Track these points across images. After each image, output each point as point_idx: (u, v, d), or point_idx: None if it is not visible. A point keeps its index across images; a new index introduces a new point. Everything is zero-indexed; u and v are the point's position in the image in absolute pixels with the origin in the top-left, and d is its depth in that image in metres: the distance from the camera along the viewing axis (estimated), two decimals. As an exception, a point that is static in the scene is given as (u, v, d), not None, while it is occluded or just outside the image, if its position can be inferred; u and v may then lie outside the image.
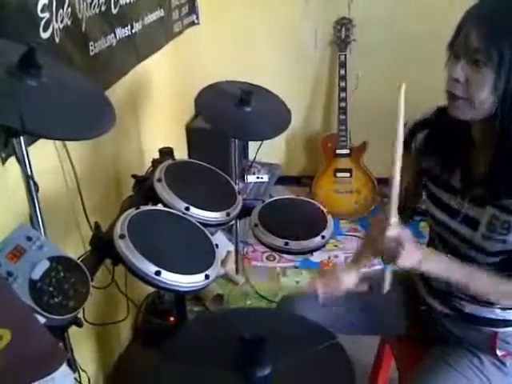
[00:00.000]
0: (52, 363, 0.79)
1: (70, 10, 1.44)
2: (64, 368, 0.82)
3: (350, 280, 1.21)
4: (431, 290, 1.32)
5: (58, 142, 1.42)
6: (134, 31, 1.93)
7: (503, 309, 1.19)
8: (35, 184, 1.09)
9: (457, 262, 1.16)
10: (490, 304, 1.19)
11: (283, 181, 3.25)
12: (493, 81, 0.99)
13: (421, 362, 1.27)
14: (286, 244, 1.49)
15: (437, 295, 1.30)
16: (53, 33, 1.36)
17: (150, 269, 1.12)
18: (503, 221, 1.09)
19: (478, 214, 1.14)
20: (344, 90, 2.90)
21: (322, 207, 1.64)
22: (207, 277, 1.20)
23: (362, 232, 2.90)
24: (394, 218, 1.09)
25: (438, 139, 1.21)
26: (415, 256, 1.09)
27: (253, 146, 2.86)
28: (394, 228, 1.09)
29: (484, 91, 1.00)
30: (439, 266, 1.13)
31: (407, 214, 1.36)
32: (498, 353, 1.22)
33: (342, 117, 2.93)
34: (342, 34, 2.88)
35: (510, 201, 1.08)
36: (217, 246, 1.32)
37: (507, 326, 1.21)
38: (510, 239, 1.10)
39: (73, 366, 1.27)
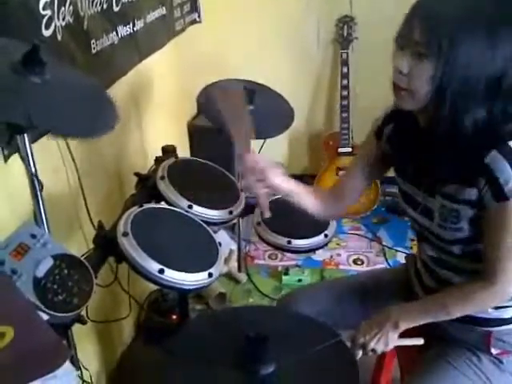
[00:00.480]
0: (55, 360, 0.79)
1: (71, 7, 1.44)
2: (67, 365, 0.82)
3: (277, 180, 1.23)
4: (425, 289, 1.32)
5: (60, 141, 1.42)
6: (135, 29, 1.93)
7: (496, 308, 1.19)
8: (39, 182, 1.09)
9: (423, 300, 1.24)
10: None
11: (285, 179, 3.24)
12: (431, 72, 1.01)
13: (422, 360, 1.27)
14: (289, 242, 1.49)
15: (429, 294, 1.30)
16: (55, 30, 1.36)
17: (154, 267, 1.12)
18: (451, 209, 1.12)
19: (431, 203, 1.17)
20: (346, 88, 2.89)
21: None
22: (210, 275, 1.20)
23: (364, 231, 2.91)
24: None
25: (397, 130, 1.24)
26: (386, 335, 1.17)
27: (255, 144, 2.85)
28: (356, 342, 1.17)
29: (423, 82, 1.03)
30: (412, 316, 1.19)
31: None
32: (493, 351, 1.22)
33: (344, 115, 2.92)
34: (344, 32, 2.87)
35: (454, 187, 1.10)
36: (220, 244, 1.32)
37: (501, 325, 1.21)
38: (465, 227, 1.12)
39: (76, 363, 1.27)
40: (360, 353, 1.19)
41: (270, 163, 1.23)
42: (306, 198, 1.33)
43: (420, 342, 1.21)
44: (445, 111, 1.04)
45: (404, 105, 1.09)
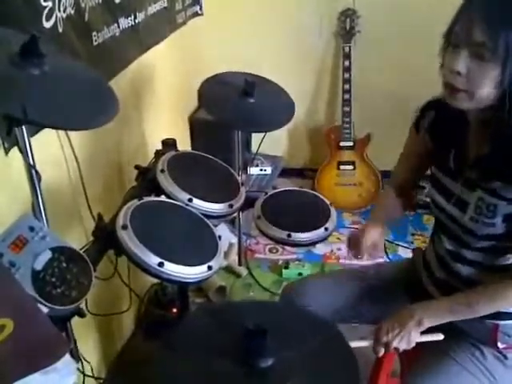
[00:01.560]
0: (55, 353, 0.79)
1: (73, -1, 1.43)
2: (67, 357, 0.82)
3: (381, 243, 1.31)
4: (433, 280, 1.32)
5: (60, 133, 1.42)
6: (137, 21, 1.92)
7: None
8: (38, 174, 1.08)
9: (448, 298, 1.21)
10: None
11: (286, 173, 3.24)
12: (497, 75, 0.98)
13: (423, 355, 1.27)
14: (289, 236, 1.48)
15: (438, 285, 1.30)
16: (56, 22, 1.35)
17: (153, 260, 1.12)
18: (489, 203, 1.12)
19: (468, 196, 1.17)
20: (348, 81, 2.88)
21: (325, 199, 1.63)
22: (210, 268, 1.20)
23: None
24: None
25: (439, 121, 1.23)
26: (411, 333, 1.16)
27: (256, 137, 2.85)
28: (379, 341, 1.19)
29: (487, 85, 1.00)
30: (437, 314, 1.18)
31: (413, 200, 1.42)
32: (500, 345, 1.22)
33: (346, 109, 2.92)
34: (346, 26, 2.86)
35: (499, 184, 1.10)
36: (220, 237, 1.32)
37: (509, 319, 1.22)
38: (498, 223, 1.11)
39: (76, 355, 1.27)
40: (382, 350, 1.19)
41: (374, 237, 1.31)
42: (400, 210, 1.43)
43: (440, 337, 1.21)
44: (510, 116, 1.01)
45: (459, 105, 1.06)
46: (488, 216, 1.12)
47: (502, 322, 1.21)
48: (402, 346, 1.17)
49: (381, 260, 2.57)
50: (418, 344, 1.23)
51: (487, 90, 1.00)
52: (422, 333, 1.19)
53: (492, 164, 1.10)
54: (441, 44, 1.07)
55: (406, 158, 1.40)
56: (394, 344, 1.17)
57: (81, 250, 1.13)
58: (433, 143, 1.27)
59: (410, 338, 1.17)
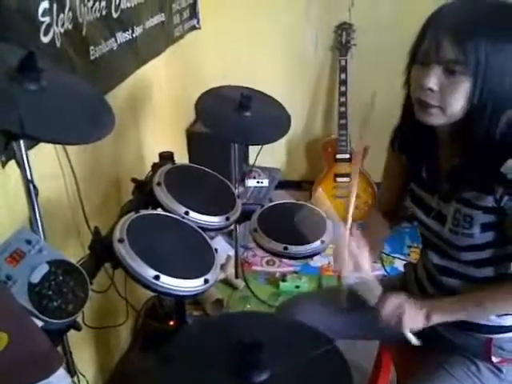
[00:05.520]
0: (49, 367, 0.79)
1: (70, 14, 1.45)
2: (61, 371, 0.82)
3: (367, 263, 1.24)
4: (425, 295, 1.32)
5: (58, 146, 1.42)
6: (134, 35, 1.94)
7: (498, 315, 1.19)
8: (35, 188, 1.09)
9: (459, 296, 1.19)
10: None
11: (283, 185, 3.25)
12: (468, 89, 0.99)
13: (419, 369, 1.27)
14: (285, 248, 1.49)
15: None
16: (53, 37, 1.37)
17: (149, 273, 1.12)
18: (464, 214, 1.12)
19: (445, 209, 1.17)
20: (344, 94, 2.90)
21: (321, 212, 1.64)
22: (206, 281, 1.20)
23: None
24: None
25: (409, 136, 1.23)
26: (418, 319, 1.15)
27: (253, 150, 2.86)
28: (393, 300, 1.17)
29: (459, 99, 1.00)
30: (446, 310, 1.17)
31: (400, 215, 1.41)
32: (494, 359, 1.21)
33: (342, 121, 2.93)
34: (342, 39, 2.89)
35: (471, 193, 1.10)
36: (216, 250, 1.32)
37: (502, 333, 1.21)
38: (476, 233, 1.11)
39: (72, 369, 1.27)
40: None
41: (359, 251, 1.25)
42: (386, 231, 1.41)
43: (417, 343, 1.19)
44: (484, 123, 1.02)
45: (434, 121, 1.06)
46: (465, 227, 1.12)
47: (495, 336, 1.21)
48: (398, 323, 1.16)
49: (377, 273, 2.58)
50: (413, 357, 1.23)
51: (459, 104, 1.01)
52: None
53: (463, 174, 1.10)
54: (406, 61, 1.08)
55: (386, 179, 1.41)
56: (393, 322, 1.16)
57: (77, 263, 1.13)
58: (406, 159, 1.27)
59: (403, 327, 1.16)
